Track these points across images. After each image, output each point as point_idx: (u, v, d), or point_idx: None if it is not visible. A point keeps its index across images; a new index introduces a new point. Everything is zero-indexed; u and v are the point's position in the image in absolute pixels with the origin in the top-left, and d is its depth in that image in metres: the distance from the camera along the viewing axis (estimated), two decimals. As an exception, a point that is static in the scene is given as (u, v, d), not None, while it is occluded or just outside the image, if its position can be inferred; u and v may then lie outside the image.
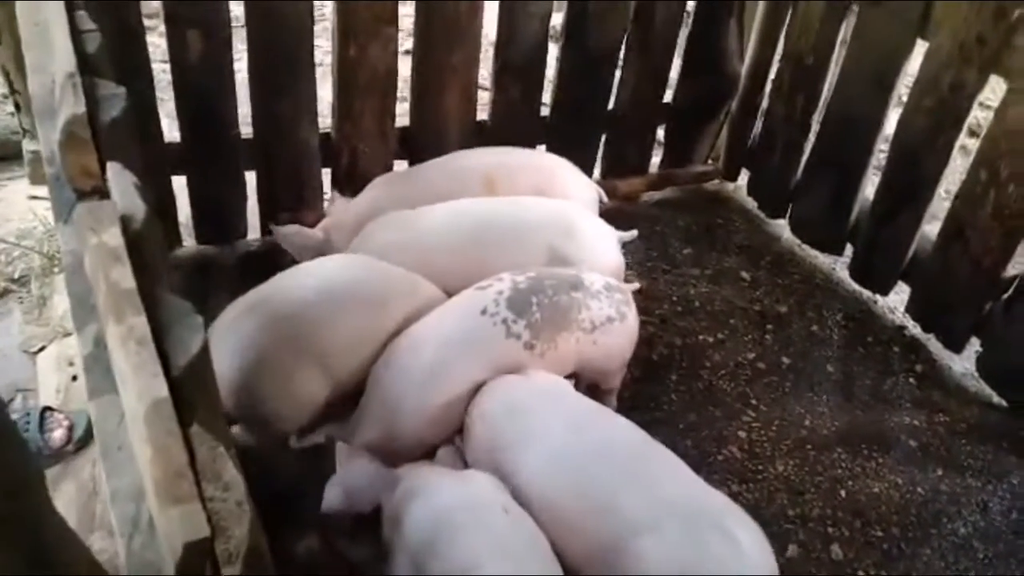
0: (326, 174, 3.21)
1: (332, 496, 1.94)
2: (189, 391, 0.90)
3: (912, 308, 3.25)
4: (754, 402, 2.85)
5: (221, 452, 0.84)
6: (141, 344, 0.91)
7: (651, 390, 2.83)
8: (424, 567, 1.73)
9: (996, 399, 2.99)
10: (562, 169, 2.99)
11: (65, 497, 2.16)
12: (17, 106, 3.13)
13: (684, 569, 1.67)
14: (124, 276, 1.00)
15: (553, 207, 2.69)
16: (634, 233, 2.73)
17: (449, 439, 2.21)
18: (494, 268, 2.40)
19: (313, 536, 2.11)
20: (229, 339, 2.11)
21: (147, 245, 1.15)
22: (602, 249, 2.63)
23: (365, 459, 2.01)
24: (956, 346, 3.13)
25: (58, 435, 2.28)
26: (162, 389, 0.87)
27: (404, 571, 1.81)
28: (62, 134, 1.32)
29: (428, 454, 2.18)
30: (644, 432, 2.03)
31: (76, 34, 1.68)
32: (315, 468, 2.18)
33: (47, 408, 2.36)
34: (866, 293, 3.42)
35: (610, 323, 2.32)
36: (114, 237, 1.07)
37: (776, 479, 2.58)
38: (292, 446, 2.26)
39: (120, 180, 1.23)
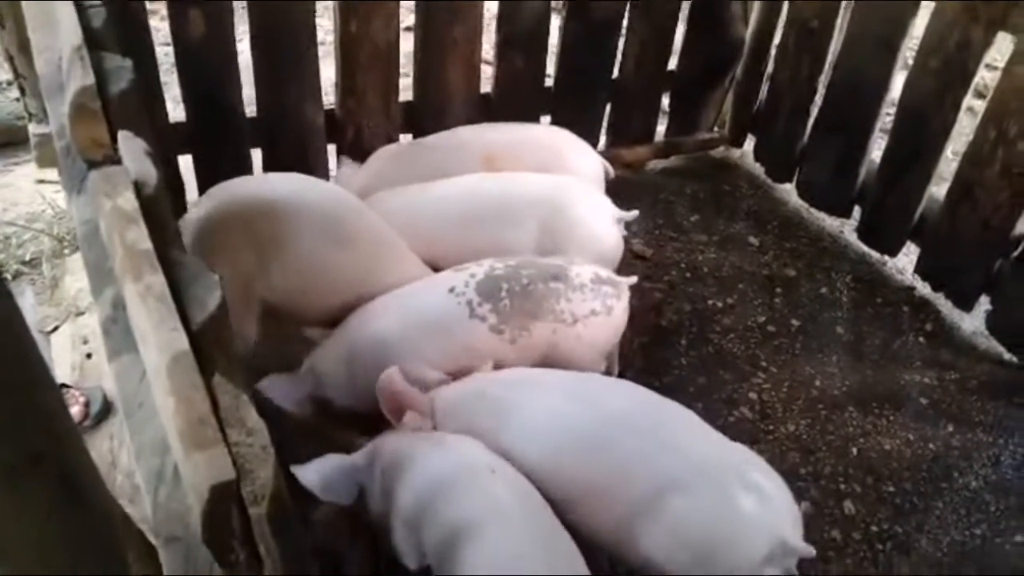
0: (331, 151, 3.22)
1: (309, 483, 1.89)
2: (208, 345, 0.92)
3: (921, 268, 3.25)
4: (764, 364, 2.86)
5: (244, 400, 0.86)
6: (160, 301, 0.93)
7: (661, 355, 2.84)
8: (421, 530, 1.76)
9: (1006, 356, 3.00)
10: (566, 144, 2.97)
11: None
12: (22, 90, 3.15)
13: (716, 524, 1.70)
14: (140, 237, 1.02)
15: (546, 184, 2.66)
16: (635, 213, 2.67)
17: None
18: (484, 245, 2.43)
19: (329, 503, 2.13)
20: (191, 228, 2.19)
21: (160, 209, 1.16)
22: (596, 228, 2.57)
23: (338, 457, 1.97)
24: (966, 305, 3.13)
25: (75, 411, 2.31)
26: (183, 342, 0.89)
27: (402, 540, 1.83)
28: (71, 107, 1.33)
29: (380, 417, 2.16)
30: (648, 390, 2.05)
31: (81, 10, 1.70)
32: (327, 440, 2.18)
33: (63, 385, 2.40)
34: (875, 255, 3.42)
35: (594, 316, 2.26)
36: (128, 201, 1.09)
37: (788, 439, 2.59)
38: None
39: (131, 146, 1.25)
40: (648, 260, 3.27)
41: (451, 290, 2.23)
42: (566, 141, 2.99)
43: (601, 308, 2.29)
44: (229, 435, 0.85)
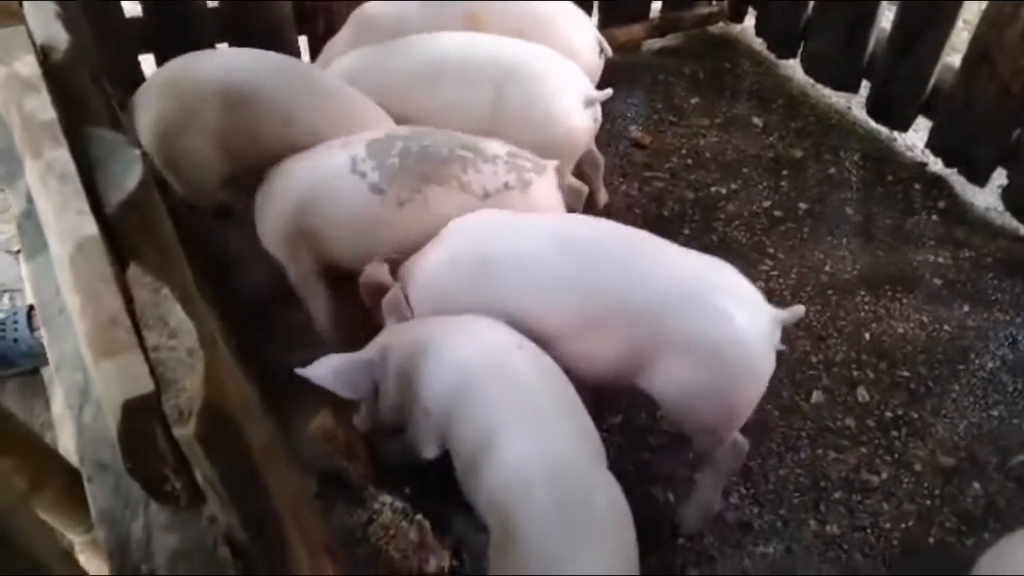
0: (303, 43, 2.99)
1: (322, 380, 1.82)
2: (127, 231, 0.76)
3: (933, 142, 3.07)
4: (771, 251, 2.72)
5: (166, 294, 0.70)
6: (63, 180, 0.77)
7: (663, 246, 2.69)
8: (450, 420, 1.70)
9: (1023, 231, 2.86)
10: (560, 13, 2.65)
11: (59, 397, 2.08)
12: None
13: (720, 341, 1.70)
14: (41, 107, 0.85)
15: (515, 49, 2.36)
16: (608, 92, 2.35)
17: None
18: (443, 105, 2.26)
19: (326, 414, 2.04)
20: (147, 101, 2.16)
21: (73, 77, 0.99)
22: (555, 106, 2.28)
23: (345, 356, 1.87)
24: (980, 179, 2.97)
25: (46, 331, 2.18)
26: (89, 227, 0.73)
27: (423, 429, 1.78)
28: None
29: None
30: (616, 223, 1.95)
31: None
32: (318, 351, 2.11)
33: (33, 306, 2.27)
34: (884, 131, 3.24)
35: (508, 190, 2.06)
36: (28, 66, 0.91)
37: (797, 326, 2.47)
38: None
39: (38, 8, 1.06)
40: (647, 147, 3.08)
41: (344, 145, 2.07)
42: (561, 9, 2.66)
43: (516, 183, 2.06)
44: (147, 338, 0.69)
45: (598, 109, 2.37)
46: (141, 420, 0.64)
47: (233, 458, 0.68)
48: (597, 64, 2.66)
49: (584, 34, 2.65)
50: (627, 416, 2.23)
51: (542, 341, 1.80)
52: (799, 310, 1.78)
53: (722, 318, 1.71)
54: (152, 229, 0.82)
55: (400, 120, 2.29)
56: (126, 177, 0.79)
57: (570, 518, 1.48)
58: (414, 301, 1.96)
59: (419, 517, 1.79)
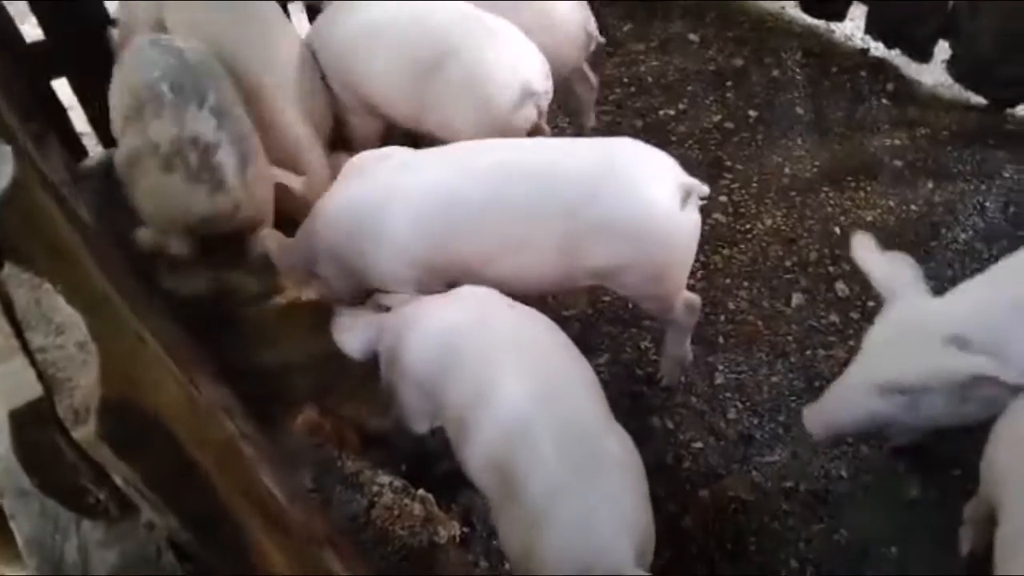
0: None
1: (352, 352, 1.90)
2: (5, 232, 0.70)
3: (872, 26, 3.03)
4: (729, 163, 2.69)
5: (47, 290, 0.64)
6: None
7: (620, 178, 2.65)
8: (443, 394, 1.67)
9: (974, 99, 2.85)
10: None
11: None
12: None
13: (631, 215, 1.76)
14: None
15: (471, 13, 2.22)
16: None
17: None
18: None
19: (310, 408, 2.01)
20: None
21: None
22: (494, 78, 2.11)
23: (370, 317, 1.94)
24: (923, 55, 2.94)
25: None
26: (-48, 230, 0.67)
27: (420, 409, 1.77)
28: None
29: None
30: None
31: None
32: (302, 340, 2.06)
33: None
34: (821, 24, 3.19)
35: None
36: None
37: (767, 233, 2.45)
38: None
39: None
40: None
41: None
42: None
43: None
44: (31, 340, 0.64)
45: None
46: (35, 429, 0.59)
47: (153, 456, 0.62)
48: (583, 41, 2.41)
49: (574, 12, 2.39)
50: (613, 353, 2.21)
51: (473, 270, 1.85)
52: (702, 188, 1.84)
53: (628, 193, 1.77)
54: (37, 229, 0.76)
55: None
56: (-2, 177, 0.72)
57: (578, 461, 1.44)
58: (321, 241, 2.00)
59: (421, 492, 1.76)
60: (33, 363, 0.60)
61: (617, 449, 1.51)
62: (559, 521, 1.39)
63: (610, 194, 1.77)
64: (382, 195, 1.90)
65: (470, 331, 1.69)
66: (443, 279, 1.91)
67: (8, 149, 0.70)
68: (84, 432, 0.57)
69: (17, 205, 0.69)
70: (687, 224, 1.82)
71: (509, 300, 1.77)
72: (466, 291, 1.82)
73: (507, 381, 1.56)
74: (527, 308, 1.76)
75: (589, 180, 1.78)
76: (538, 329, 1.71)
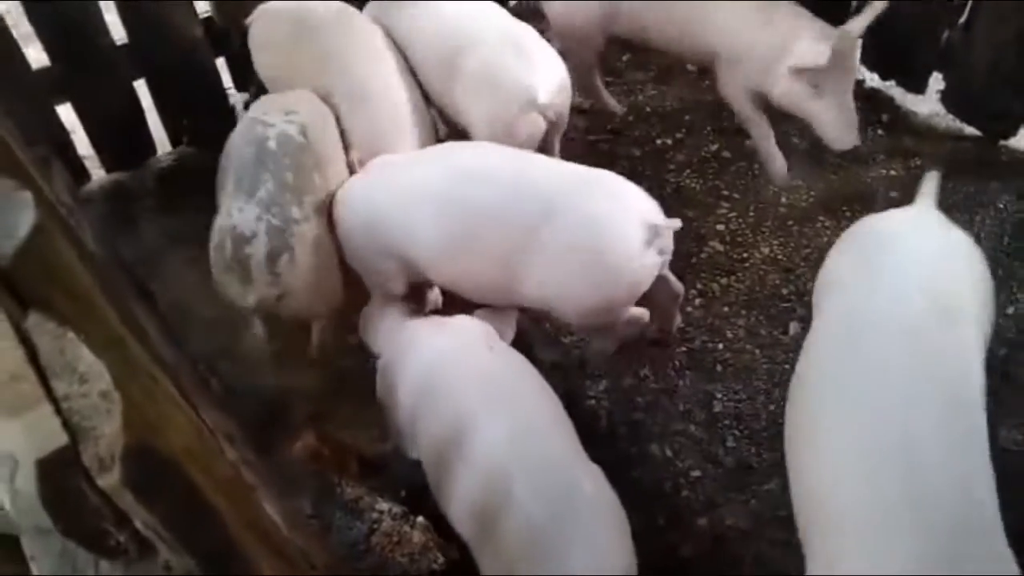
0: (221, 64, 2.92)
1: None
2: (27, 281, 0.71)
3: (867, 57, 3.07)
4: (726, 193, 2.72)
5: (71, 339, 0.66)
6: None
7: (619, 206, 2.68)
8: (420, 419, 1.70)
9: (968, 130, 2.88)
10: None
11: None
12: None
13: (588, 246, 1.79)
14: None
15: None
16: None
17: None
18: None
19: (308, 433, 2.02)
20: None
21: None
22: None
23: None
24: (918, 86, 2.98)
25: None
26: (-27, 281, 0.69)
27: (403, 423, 1.78)
28: None
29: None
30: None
31: None
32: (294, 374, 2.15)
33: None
34: (817, 55, 3.23)
35: None
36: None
37: (764, 262, 2.48)
38: None
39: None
40: (587, 112, 3.06)
41: None
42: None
43: None
44: (56, 388, 0.66)
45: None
46: (62, 477, 0.61)
47: (171, 499, 0.64)
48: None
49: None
50: (611, 380, 2.22)
51: (423, 266, 1.91)
52: (674, 222, 1.83)
53: (587, 222, 1.76)
54: (58, 276, 0.77)
55: None
56: (17, 224, 0.74)
57: (556, 507, 1.45)
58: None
59: (420, 519, 1.77)
60: (58, 411, 0.62)
61: (591, 488, 1.52)
62: (534, 563, 1.41)
63: (568, 217, 1.76)
64: (371, 189, 2.00)
65: (446, 367, 1.72)
66: (408, 275, 2.00)
67: (29, 196, 0.72)
68: (109, 480, 0.59)
69: (38, 253, 0.70)
70: (642, 267, 1.80)
71: (490, 337, 1.80)
72: (458, 322, 1.86)
73: (480, 423, 1.57)
74: (507, 348, 1.79)
75: (552, 198, 1.79)
76: (512, 370, 1.73)
